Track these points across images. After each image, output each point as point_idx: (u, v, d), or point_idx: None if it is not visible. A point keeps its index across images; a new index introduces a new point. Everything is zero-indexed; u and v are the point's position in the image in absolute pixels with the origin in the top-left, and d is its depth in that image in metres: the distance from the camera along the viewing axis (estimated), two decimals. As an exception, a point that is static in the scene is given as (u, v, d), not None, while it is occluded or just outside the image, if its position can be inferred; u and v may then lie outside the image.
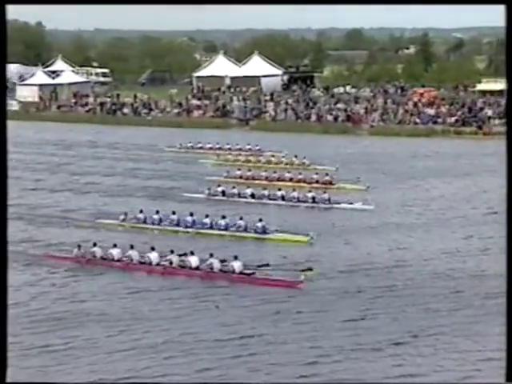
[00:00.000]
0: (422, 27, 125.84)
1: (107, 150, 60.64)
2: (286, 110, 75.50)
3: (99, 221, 35.32)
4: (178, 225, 33.75)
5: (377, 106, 74.17)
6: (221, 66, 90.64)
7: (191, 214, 33.76)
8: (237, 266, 26.44)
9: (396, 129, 67.91)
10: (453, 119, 68.14)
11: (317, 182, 43.67)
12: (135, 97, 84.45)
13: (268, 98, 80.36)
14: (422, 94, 76.00)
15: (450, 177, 47.55)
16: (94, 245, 29.23)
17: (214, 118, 77.55)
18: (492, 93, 73.69)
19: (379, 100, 75.97)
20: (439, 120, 68.86)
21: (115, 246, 28.98)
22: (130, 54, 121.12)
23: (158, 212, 34.47)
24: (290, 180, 44.21)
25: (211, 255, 27.26)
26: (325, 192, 39.46)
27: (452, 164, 52.48)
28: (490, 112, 67.84)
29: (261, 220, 32.68)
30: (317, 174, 44.71)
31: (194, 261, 27.27)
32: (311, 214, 37.95)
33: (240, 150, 55.92)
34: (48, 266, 28.63)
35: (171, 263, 27.51)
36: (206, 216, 33.49)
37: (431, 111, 70.51)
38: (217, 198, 40.42)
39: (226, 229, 32.80)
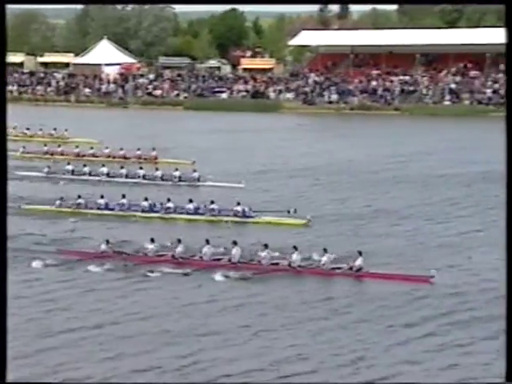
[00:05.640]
0: None
1: None
2: None
3: (28, 207, 30.98)
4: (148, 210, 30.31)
5: None
6: None
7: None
8: (359, 262, 23.19)
9: None
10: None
11: (139, 157, 41.42)
12: None
13: None
14: None
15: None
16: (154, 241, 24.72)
17: None
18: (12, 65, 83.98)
19: None
20: None
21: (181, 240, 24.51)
22: None
23: (88, 195, 31.69)
24: (109, 156, 41.81)
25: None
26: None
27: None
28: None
29: (239, 203, 29.27)
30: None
31: (295, 257, 23.44)
32: (191, 192, 33.91)
33: None
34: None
35: (260, 262, 23.48)
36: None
37: None
38: (61, 176, 37.71)
39: (195, 213, 29.59)
